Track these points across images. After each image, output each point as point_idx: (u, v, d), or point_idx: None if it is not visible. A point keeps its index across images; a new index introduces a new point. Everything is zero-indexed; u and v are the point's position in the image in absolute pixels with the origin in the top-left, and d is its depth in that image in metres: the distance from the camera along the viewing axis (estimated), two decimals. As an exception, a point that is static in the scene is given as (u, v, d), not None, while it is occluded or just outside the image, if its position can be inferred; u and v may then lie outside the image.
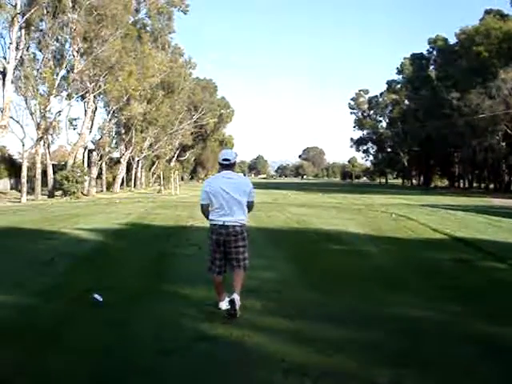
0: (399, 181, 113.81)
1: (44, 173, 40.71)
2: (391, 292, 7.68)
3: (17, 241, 12.91)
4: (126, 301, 7.04)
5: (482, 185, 76.24)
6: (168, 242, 12.69)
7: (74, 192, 38.27)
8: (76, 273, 9.08)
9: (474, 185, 79.58)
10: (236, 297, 6.23)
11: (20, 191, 37.63)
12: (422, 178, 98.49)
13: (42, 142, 39.82)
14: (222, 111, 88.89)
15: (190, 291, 7.55)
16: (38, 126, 37.90)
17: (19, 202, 34.54)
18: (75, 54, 39.77)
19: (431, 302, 7.13)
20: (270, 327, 5.95)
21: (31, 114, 37.92)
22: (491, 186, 71.03)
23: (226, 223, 6.43)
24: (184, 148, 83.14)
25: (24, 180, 36.73)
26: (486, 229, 16.38)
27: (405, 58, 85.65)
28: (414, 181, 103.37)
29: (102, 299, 6.69)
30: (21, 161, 39.29)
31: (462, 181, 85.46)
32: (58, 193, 40.26)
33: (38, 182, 38.42)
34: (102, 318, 6.17)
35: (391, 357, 5.00)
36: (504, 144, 59.06)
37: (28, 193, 37.95)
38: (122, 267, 9.49)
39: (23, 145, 37.67)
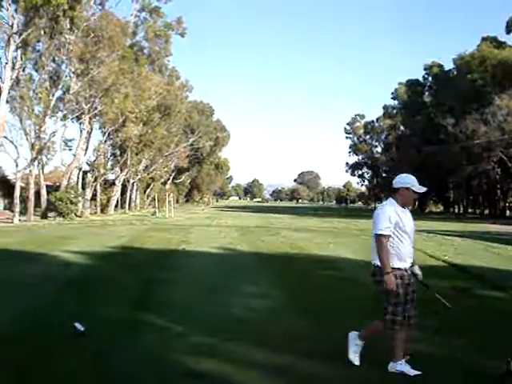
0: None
1: (38, 194, 40.33)
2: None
3: (3, 263, 12.55)
4: (108, 331, 6.67)
5: (477, 210, 76.10)
6: (157, 267, 12.34)
7: (67, 213, 37.83)
8: (59, 299, 8.70)
9: (469, 210, 79.42)
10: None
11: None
12: (416, 204, 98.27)
13: (36, 163, 39.48)
14: (218, 134, 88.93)
15: (175, 320, 7.17)
16: (33, 147, 37.57)
17: (11, 222, 34.11)
18: (71, 75, 39.66)
19: (429, 334, 6.81)
20: (258, 362, 5.58)
21: (26, 134, 37.60)
22: (486, 211, 70.88)
23: None
24: (179, 170, 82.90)
25: (17, 201, 36.30)
26: (483, 255, 16.09)
27: (399, 84, 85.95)
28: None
29: (83, 328, 6.34)
30: (15, 181, 38.91)
31: (456, 206, 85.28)
32: (52, 214, 39.82)
33: (31, 203, 37.98)
34: (80, 351, 5.81)
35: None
36: (499, 170, 59.06)
37: (21, 213, 37.51)
38: (107, 293, 9.13)
39: (17, 165, 37.36)
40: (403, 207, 5.46)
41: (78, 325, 6.38)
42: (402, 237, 5.31)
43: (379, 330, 5.56)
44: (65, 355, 5.71)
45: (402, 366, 5.26)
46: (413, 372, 5.20)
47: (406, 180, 5.48)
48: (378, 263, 5.28)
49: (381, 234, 5.21)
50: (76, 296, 8.85)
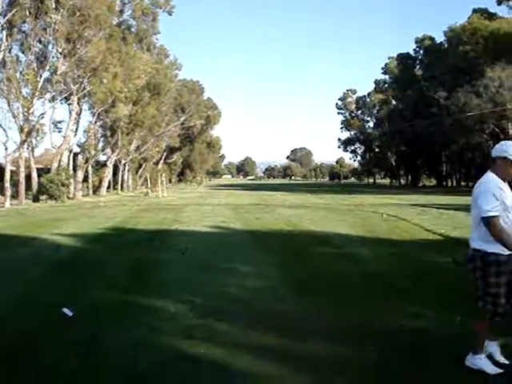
0: (387, 181, 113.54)
1: (29, 177, 39.88)
2: (388, 300, 7.13)
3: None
4: (98, 314, 6.44)
5: (470, 183, 76.10)
6: (149, 247, 12.08)
7: (59, 196, 37.46)
8: (48, 283, 8.46)
9: (462, 183, 79.46)
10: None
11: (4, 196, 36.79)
12: (409, 178, 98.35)
13: (25, 146, 38.99)
14: (209, 113, 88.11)
15: (167, 303, 6.94)
16: (21, 129, 37.04)
17: (3, 206, 33.74)
18: (58, 55, 39.01)
19: (433, 310, 6.56)
20: (256, 345, 5.34)
21: (14, 116, 37.02)
22: (479, 184, 70.65)
23: None
24: (171, 150, 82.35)
25: (7, 184, 35.86)
26: (480, 228, 15.89)
27: (389, 58, 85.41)
28: (401, 180, 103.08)
29: (71, 313, 6.10)
30: (5, 165, 38.42)
31: (449, 180, 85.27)
32: (44, 197, 39.43)
33: (22, 187, 37.55)
34: (69, 336, 5.57)
35: (394, 380, 4.46)
36: (491, 142, 58.80)
37: (13, 197, 37.13)
38: (97, 276, 8.89)
39: (6, 148, 36.85)
40: (503, 180, 4.62)
41: (66, 310, 6.15)
42: (507, 217, 4.54)
43: (485, 325, 4.85)
44: (53, 340, 5.50)
45: (481, 362, 4.66)
46: (493, 369, 4.60)
47: (503, 148, 4.63)
48: (478, 247, 4.65)
49: (490, 216, 4.43)
50: (66, 279, 8.60)
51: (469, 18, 61.02)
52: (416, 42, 75.98)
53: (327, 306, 6.80)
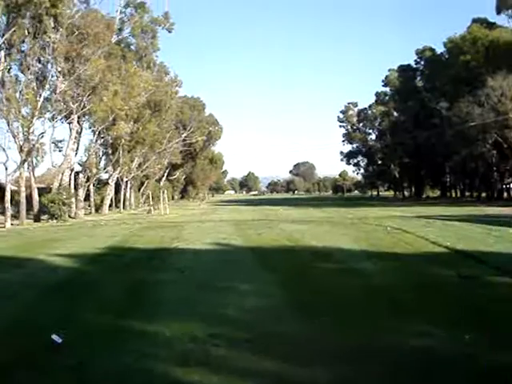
0: (391, 193, 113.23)
1: (30, 196, 39.69)
2: (393, 317, 6.83)
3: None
4: (89, 340, 6.14)
5: (474, 194, 75.76)
6: (148, 267, 11.76)
7: (60, 215, 37.26)
8: (41, 306, 8.16)
9: (466, 194, 79.09)
10: None
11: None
12: (413, 189, 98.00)
13: (26, 165, 38.85)
14: (211, 129, 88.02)
15: (162, 326, 6.62)
16: (21, 149, 36.92)
17: (3, 227, 33.50)
18: (57, 74, 38.98)
19: (439, 327, 6.27)
20: (255, 371, 5.03)
21: (14, 136, 36.92)
22: (483, 194, 70.45)
23: None
24: (173, 167, 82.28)
25: (8, 204, 35.64)
26: (486, 239, 15.56)
27: (390, 70, 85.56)
28: (405, 192, 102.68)
29: (60, 340, 5.79)
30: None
31: (453, 190, 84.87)
32: (45, 216, 39.21)
33: (23, 206, 37.34)
34: (56, 363, 5.28)
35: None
36: (495, 152, 58.58)
37: (15, 217, 36.92)
38: (92, 299, 8.58)
39: (6, 168, 36.69)
40: None
41: (55, 337, 5.85)
42: None
43: None
44: (39, 367, 5.21)
45: None
46: None
47: None
48: None
49: None
50: (59, 302, 8.32)
51: (468, 27, 60.99)
52: (417, 54, 76.09)
53: (330, 327, 6.49)
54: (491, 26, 58.54)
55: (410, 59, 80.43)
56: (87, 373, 5.03)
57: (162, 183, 73.93)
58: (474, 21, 61.40)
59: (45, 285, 9.86)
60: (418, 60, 76.86)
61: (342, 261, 12.20)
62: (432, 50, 72.87)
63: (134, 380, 4.81)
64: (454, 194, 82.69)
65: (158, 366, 5.17)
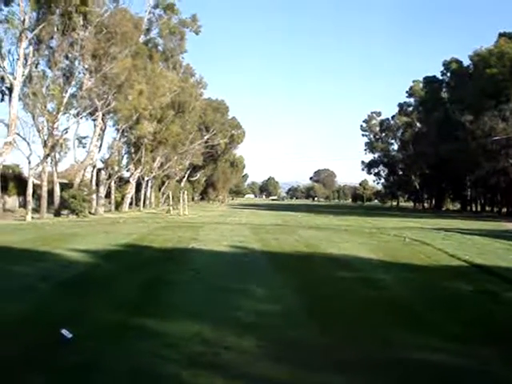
0: (410, 204, 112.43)
1: (52, 191, 40.04)
2: (409, 331, 6.70)
3: (3, 262, 12.03)
4: (98, 338, 6.08)
5: (495, 209, 74.81)
6: (162, 267, 11.73)
7: (80, 211, 37.54)
8: (53, 301, 8.16)
9: (487, 208, 78.15)
10: None
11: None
12: (433, 201, 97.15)
13: (49, 160, 39.22)
14: (233, 132, 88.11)
15: (173, 327, 6.59)
16: (45, 144, 37.28)
17: (24, 220, 33.81)
18: (84, 71, 39.33)
19: (456, 343, 6.15)
20: (264, 377, 4.94)
21: (38, 131, 37.30)
22: (504, 210, 69.59)
23: None
24: (195, 168, 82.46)
25: (29, 198, 35.98)
26: (506, 255, 15.32)
27: (414, 81, 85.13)
28: (425, 204, 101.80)
29: (70, 335, 5.76)
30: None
31: (474, 204, 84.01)
32: (65, 212, 39.52)
33: (44, 201, 37.68)
34: (64, 360, 5.23)
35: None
36: (517, 167, 57.87)
37: (36, 211, 37.26)
38: (104, 296, 8.56)
39: (29, 162, 37.04)
40: None
41: (65, 331, 5.81)
42: None
43: None
44: (46, 363, 5.15)
45: None
46: None
47: None
48: None
49: None
50: (71, 298, 8.30)
51: (496, 41, 60.38)
52: (443, 65, 75.47)
53: (344, 335, 6.40)
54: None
55: (434, 71, 79.98)
56: (93, 373, 4.98)
57: (182, 184, 74.09)
58: (501, 35, 60.74)
59: (60, 279, 9.88)
60: (445, 71, 76.21)
61: (359, 270, 12.07)
62: (458, 62, 72.25)
63: (141, 381, 4.76)
64: (474, 208, 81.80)
65: (166, 367, 5.11)
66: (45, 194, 37.57)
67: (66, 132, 40.28)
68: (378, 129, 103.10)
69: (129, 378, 4.86)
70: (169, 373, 4.98)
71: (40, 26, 33.62)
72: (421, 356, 5.64)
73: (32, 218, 34.56)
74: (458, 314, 7.81)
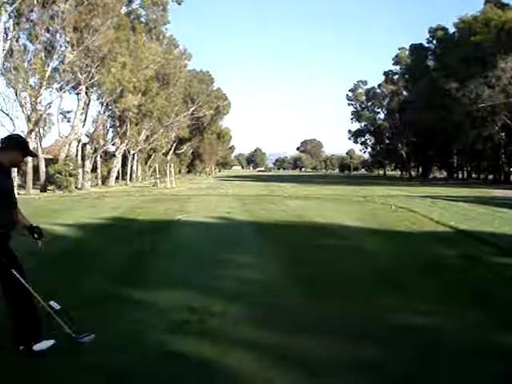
0: (397, 172, 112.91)
1: (37, 167, 39.78)
2: (394, 295, 6.79)
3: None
4: (85, 308, 6.11)
5: (481, 176, 75.43)
6: (149, 239, 11.67)
7: (66, 186, 37.38)
8: (39, 274, 8.10)
9: (473, 176, 78.77)
10: None
11: (11, 186, 36.64)
12: (420, 170, 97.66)
13: (33, 135, 38.86)
14: (219, 103, 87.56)
15: (160, 295, 6.66)
16: (29, 119, 36.91)
17: (9, 196, 33.60)
18: (66, 44, 38.79)
19: (440, 306, 6.26)
20: (252, 342, 5.01)
21: (21, 106, 36.87)
22: (490, 177, 70.13)
23: None
24: (181, 141, 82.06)
25: (14, 174, 35.78)
26: (491, 220, 15.46)
27: (400, 49, 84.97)
28: (412, 172, 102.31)
29: (58, 307, 5.77)
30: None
31: (460, 172, 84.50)
32: (52, 187, 39.33)
33: (30, 176, 37.47)
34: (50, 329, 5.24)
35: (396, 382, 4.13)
36: (503, 134, 58.21)
37: (22, 187, 37.07)
38: (90, 268, 8.56)
39: (13, 138, 36.69)
40: None
41: (53, 303, 5.81)
42: None
43: None
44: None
45: None
46: None
47: None
48: None
49: None
50: (58, 271, 8.33)
51: (482, 8, 60.12)
52: (429, 32, 75.17)
53: (330, 301, 6.47)
54: (504, 6, 57.64)
55: (421, 39, 79.74)
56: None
57: (169, 157, 73.84)
58: (487, 1, 60.48)
59: (46, 253, 9.84)
60: (430, 39, 75.99)
61: (346, 237, 12.13)
62: (444, 29, 72.03)
63: (128, 349, 4.80)
64: (460, 176, 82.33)
65: (154, 336, 5.15)
66: (30, 170, 37.33)
67: (50, 107, 39.88)
68: (364, 98, 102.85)
69: (113, 345, 4.89)
70: (154, 340, 5.03)
71: (19, 0, 33.01)
72: (404, 319, 5.75)
73: (18, 194, 34.27)
74: (442, 278, 7.92)
